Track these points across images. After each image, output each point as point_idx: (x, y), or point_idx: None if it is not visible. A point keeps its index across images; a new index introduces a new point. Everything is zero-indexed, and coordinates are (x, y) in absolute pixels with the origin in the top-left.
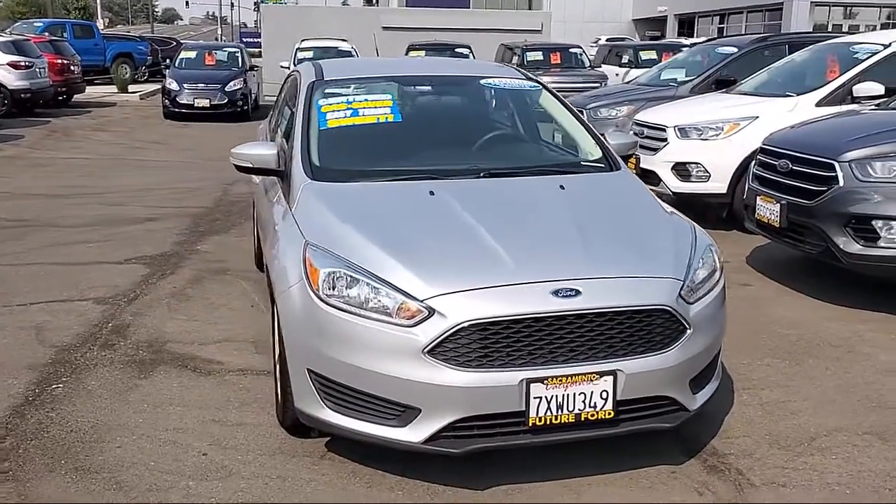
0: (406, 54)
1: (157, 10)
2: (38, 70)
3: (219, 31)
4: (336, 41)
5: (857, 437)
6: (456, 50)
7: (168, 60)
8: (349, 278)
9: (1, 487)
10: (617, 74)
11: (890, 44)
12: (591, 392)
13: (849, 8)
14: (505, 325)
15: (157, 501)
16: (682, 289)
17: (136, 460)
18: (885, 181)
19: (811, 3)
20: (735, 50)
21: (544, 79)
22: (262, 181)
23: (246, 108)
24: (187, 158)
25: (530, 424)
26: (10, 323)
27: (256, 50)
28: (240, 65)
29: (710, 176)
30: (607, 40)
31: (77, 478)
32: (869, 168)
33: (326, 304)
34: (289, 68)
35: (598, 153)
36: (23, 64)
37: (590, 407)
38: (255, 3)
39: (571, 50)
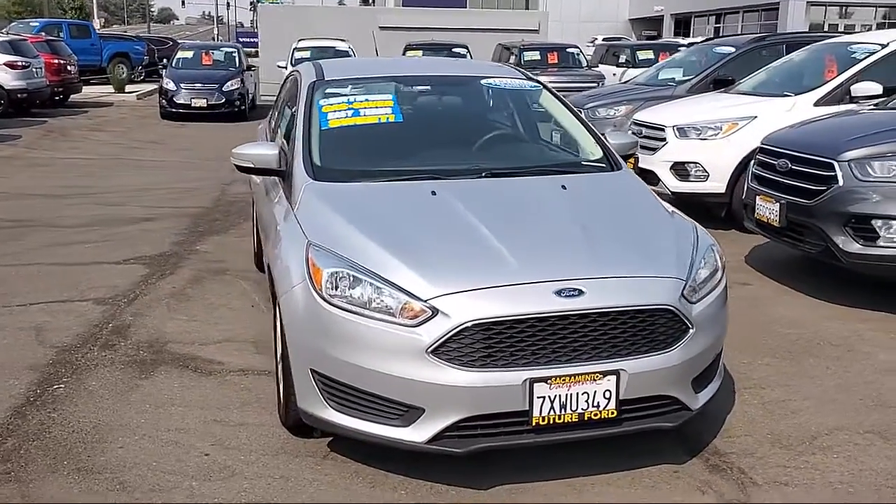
0: (403, 54)
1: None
2: (34, 70)
3: (215, 31)
4: (333, 41)
5: (858, 436)
6: (453, 50)
7: (165, 60)
8: (352, 278)
9: (4, 488)
10: (614, 74)
11: (888, 43)
12: (595, 391)
13: (844, 7)
14: (508, 324)
15: (160, 502)
16: (684, 288)
17: (139, 461)
18: (884, 181)
19: (807, 2)
20: (732, 50)
21: (541, 78)
22: (263, 181)
23: (243, 108)
24: (185, 158)
25: (534, 424)
26: (10, 323)
27: (253, 50)
28: (237, 65)
29: (708, 175)
30: (604, 40)
31: (80, 478)
32: (868, 168)
33: (330, 304)
34: (286, 68)
35: (599, 153)
36: (19, 64)
37: (593, 406)
38: (251, 3)
39: (569, 50)
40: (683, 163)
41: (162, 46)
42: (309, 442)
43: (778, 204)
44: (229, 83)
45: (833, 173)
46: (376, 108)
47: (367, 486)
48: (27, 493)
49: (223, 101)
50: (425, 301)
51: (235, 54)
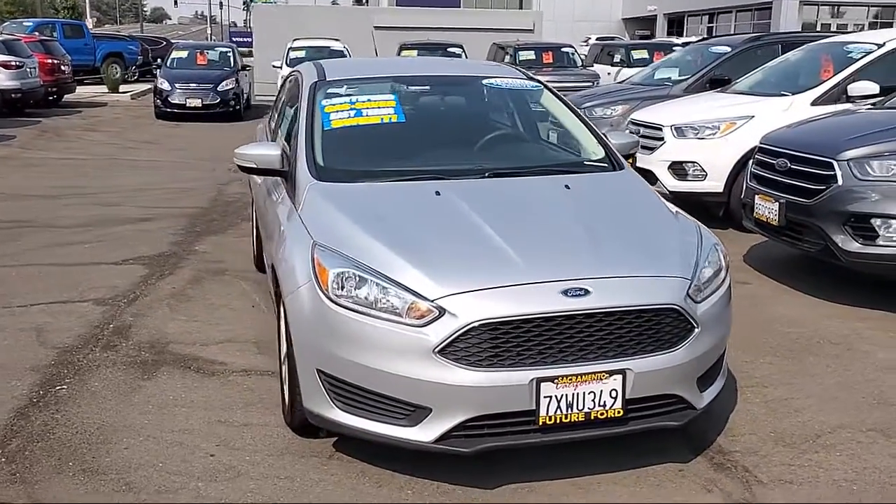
0: (398, 54)
1: (145, 9)
2: (28, 70)
3: (208, 31)
4: (328, 41)
5: (860, 434)
6: (448, 49)
7: (159, 60)
8: (358, 278)
9: (10, 489)
10: (609, 74)
11: (884, 43)
12: (601, 391)
13: (837, 7)
14: (515, 324)
15: (167, 502)
16: (689, 288)
17: (144, 461)
18: (883, 180)
19: (800, 2)
20: (728, 49)
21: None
22: (265, 181)
23: (238, 107)
24: (180, 158)
25: (540, 423)
26: (11, 324)
27: (246, 49)
28: (232, 64)
29: (706, 175)
30: (598, 39)
31: (86, 479)
32: (867, 167)
33: (336, 304)
34: (281, 68)
35: (601, 153)
36: (13, 64)
37: (599, 406)
38: (244, 3)
39: (563, 49)
40: (681, 162)
41: (156, 46)
42: (314, 442)
43: (777, 203)
44: (224, 83)
45: (832, 172)
46: (378, 108)
47: (373, 485)
48: (33, 493)
49: (218, 100)
50: (432, 301)
51: (230, 54)
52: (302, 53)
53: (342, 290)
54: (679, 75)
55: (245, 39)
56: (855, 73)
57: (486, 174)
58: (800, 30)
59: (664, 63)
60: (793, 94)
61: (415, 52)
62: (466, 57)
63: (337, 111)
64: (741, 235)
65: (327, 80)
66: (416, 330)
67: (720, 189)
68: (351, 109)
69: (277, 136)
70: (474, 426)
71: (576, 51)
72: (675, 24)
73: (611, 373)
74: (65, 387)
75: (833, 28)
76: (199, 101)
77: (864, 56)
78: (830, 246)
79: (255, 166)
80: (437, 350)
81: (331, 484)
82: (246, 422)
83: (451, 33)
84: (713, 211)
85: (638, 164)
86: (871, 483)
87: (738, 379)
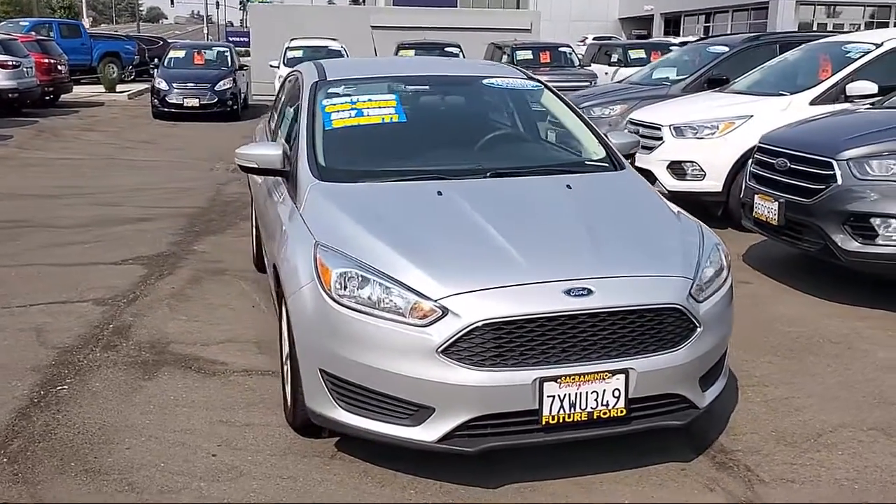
0: (395, 53)
1: (141, 8)
2: (25, 69)
3: (205, 31)
4: (326, 40)
5: (861, 433)
6: (446, 49)
7: (157, 60)
8: (361, 278)
9: (12, 490)
10: (606, 73)
11: (882, 43)
12: (604, 390)
13: (833, 7)
14: (518, 324)
15: (169, 503)
16: (691, 287)
17: (146, 461)
18: (883, 179)
19: (796, 2)
20: (726, 49)
21: None
22: (265, 181)
23: (235, 107)
24: (178, 158)
25: (543, 423)
26: (11, 325)
27: (243, 49)
28: (229, 64)
29: (705, 175)
30: (594, 39)
31: (88, 479)
32: (867, 166)
33: (339, 304)
34: (278, 67)
35: (601, 153)
36: (10, 63)
37: (602, 405)
38: (240, 2)
39: (561, 49)
40: (680, 162)
41: (152, 46)
42: (315, 442)
43: (777, 203)
44: (221, 83)
45: (832, 172)
46: (379, 108)
47: (376, 485)
48: (36, 494)
49: (215, 100)
50: (435, 301)
51: (227, 54)
52: (299, 53)
53: (345, 289)
54: (677, 75)
55: (241, 39)
56: (853, 72)
57: (488, 174)
58: (796, 29)
59: (662, 63)
60: (791, 93)
61: (412, 52)
62: (464, 56)
63: (338, 111)
64: (740, 235)
65: (328, 79)
66: (420, 330)
67: (719, 189)
68: (352, 109)
69: (277, 136)
70: (477, 426)
71: (573, 50)
72: (672, 23)
73: (614, 372)
74: (66, 387)
75: (829, 28)
76: (197, 100)
77: (863, 56)
78: (830, 245)
79: (256, 166)
80: (440, 350)
81: (333, 484)
82: (248, 422)
83: (448, 33)
84: (712, 210)
85: (636, 164)
86: (872, 482)
87: (739, 378)
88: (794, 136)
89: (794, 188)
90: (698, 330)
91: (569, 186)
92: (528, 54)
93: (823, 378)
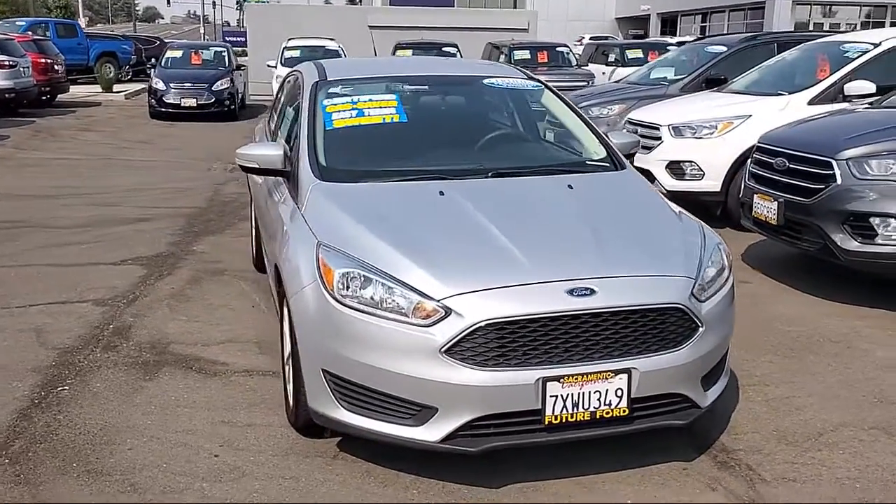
0: (393, 53)
1: (138, 8)
2: (21, 69)
3: (202, 30)
4: (323, 40)
5: (862, 432)
6: (443, 49)
7: (154, 60)
8: (363, 278)
9: (14, 490)
10: (603, 73)
11: (880, 43)
12: (607, 390)
13: (829, 6)
14: (521, 324)
15: (172, 503)
16: (693, 287)
17: (148, 462)
18: (882, 179)
19: (793, 1)
20: (724, 49)
21: None
22: (265, 181)
23: (233, 107)
24: (175, 158)
25: (546, 422)
26: (11, 325)
27: (240, 49)
28: (226, 64)
29: (704, 174)
30: (591, 39)
31: (90, 480)
32: (866, 166)
33: (341, 304)
34: (276, 67)
35: (602, 152)
36: (6, 63)
37: (605, 405)
38: (237, 2)
39: (558, 49)
40: (679, 162)
41: (149, 46)
42: (318, 442)
43: (776, 202)
44: (219, 83)
45: (831, 172)
46: (380, 108)
47: (378, 485)
48: (38, 494)
49: (213, 100)
50: (438, 301)
51: (225, 54)
52: (297, 53)
53: (347, 290)
54: (675, 75)
55: (238, 39)
56: (851, 72)
57: (489, 174)
58: (792, 29)
59: (660, 62)
60: (789, 93)
61: (409, 52)
62: (461, 56)
63: (339, 111)
64: (739, 234)
65: (328, 79)
66: (422, 330)
67: (718, 188)
68: (353, 109)
69: (277, 136)
70: (480, 426)
71: (571, 50)
72: (669, 23)
73: (616, 372)
74: (66, 388)
75: (826, 27)
76: (194, 100)
77: (861, 55)
78: (829, 245)
79: (256, 166)
80: (443, 350)
81: (336, 484)
82: (249, 422)
83: (445, 32)
84: (711, 210)
85: (635, 164)
86: (873, 481)
87: (740, 377)
88: (794, 135)
89: (794, 188)
90: (700, 330)
91: (570, 186)
92: (525, 54)
93: (824, 377)
